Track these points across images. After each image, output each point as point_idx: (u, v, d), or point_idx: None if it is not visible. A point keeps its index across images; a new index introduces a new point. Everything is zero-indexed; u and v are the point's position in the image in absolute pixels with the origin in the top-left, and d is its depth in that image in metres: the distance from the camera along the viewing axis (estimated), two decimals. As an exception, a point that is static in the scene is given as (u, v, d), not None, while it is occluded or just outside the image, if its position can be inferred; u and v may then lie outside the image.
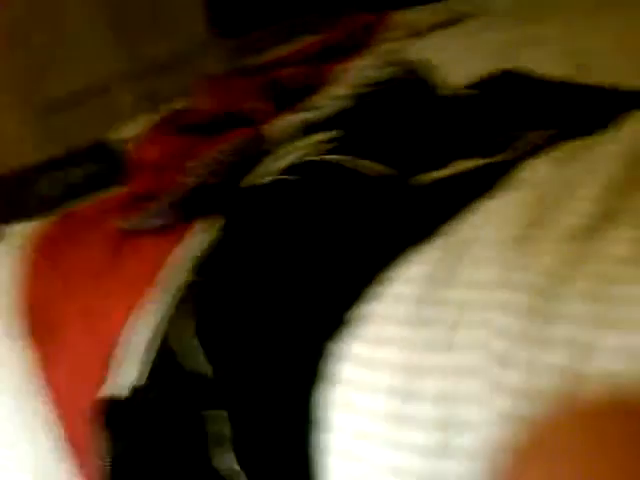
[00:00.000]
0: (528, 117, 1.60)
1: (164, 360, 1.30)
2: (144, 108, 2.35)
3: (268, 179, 1.58)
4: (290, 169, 1.59)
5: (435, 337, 1.17)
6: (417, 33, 2.59)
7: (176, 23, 2.88)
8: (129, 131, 2.08)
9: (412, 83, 1.91)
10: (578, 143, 1.48)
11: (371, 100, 1.85)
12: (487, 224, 1.31)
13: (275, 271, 1.31)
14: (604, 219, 1.25)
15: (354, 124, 1.74)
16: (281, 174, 1.58)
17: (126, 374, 1.34)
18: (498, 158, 1.48)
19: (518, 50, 2.12)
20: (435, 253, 1.27)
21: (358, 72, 2.16)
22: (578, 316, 1.09)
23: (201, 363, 1.25)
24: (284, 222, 1.40)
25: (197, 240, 1.50)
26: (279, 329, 1.25)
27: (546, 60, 1.96)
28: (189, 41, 2.88)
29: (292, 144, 1.78)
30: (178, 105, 2.17)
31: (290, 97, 2.10)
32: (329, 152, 1.63)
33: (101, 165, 1.93)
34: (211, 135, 1.99)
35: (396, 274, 1.25)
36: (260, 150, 1.81)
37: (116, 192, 1.78)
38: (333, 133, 1.73)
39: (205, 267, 1.39)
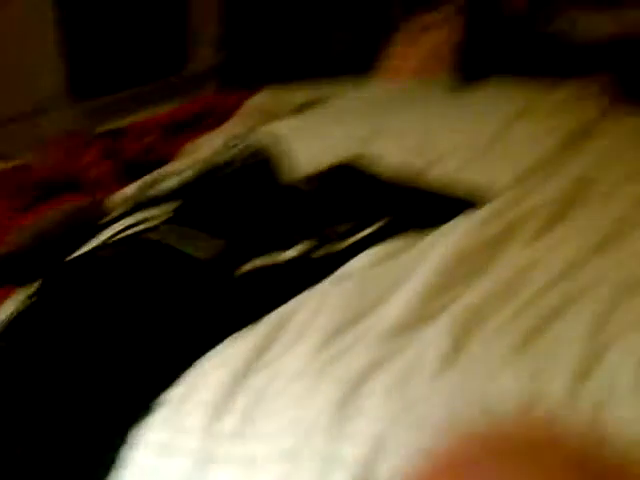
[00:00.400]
0: (361, 211, 1.64)
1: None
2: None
3: (91, 251, 1.54)
4: (117, 243, 1.56)
5: (232, 426, 1.16)
6: (275, 115, 2.62)
7: (33, 78, 2.81)
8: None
9: (257, 166, 1.91)
10: (406, 239, 1.53)
11: (213, 179, 1.84)
12: (307, 315, 1.33)
13: (80, 349, 1.27)
14: (423, 317, 1.30)
15: (192, 200, 1.73)
16: (107, 248, 1.54)
17: None
18: (326, 250, 1.51)
19: (370, 141, 2.18)
20: (248, 343, 1.28)
21: (207, 149, 2.16)
22: (376, 413, 1.12)
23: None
24: (99, 298, 1.37)
25: (9, 307, 1.44)
26: (75, 411, 1.20)
27: (395, 153, 2.02)
28: (44, 98, 2.81)
29: (129, 217, 1.75)
30: (16, 163, 2.11)
31: (135, 168, 2.08)
32: (162, 224, 1.61)
33: None
34: (47, 198, 1.94)
35: (206, 361, 1.25)
36: (98, 220, 1.77)
37: None
38: (171, 207, 1.71)
39: (9, 335, 1.33)
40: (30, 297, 1.42)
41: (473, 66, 2.77)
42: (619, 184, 1.73)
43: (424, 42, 3.00)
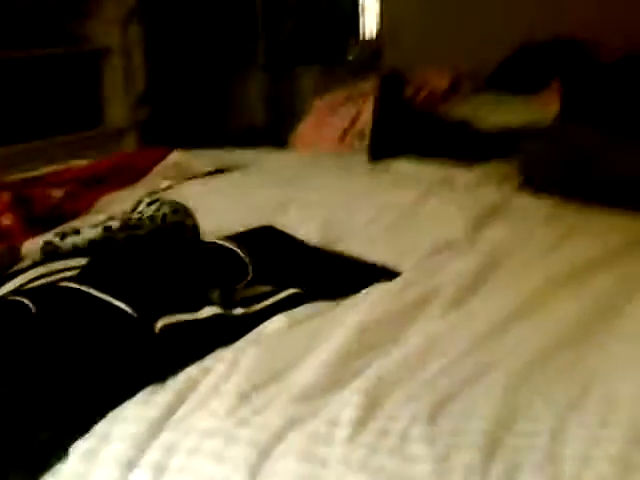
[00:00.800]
0: (278, 274, 1.65)
1: None
2: None
3: (2, 297, 1.51)
4: (32, 290, 1.54)
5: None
6: (192, 175, 2.63)
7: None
8: None
9: (173, 226, 1.91)
10: (321, 305, 1.55)
11: (126, 236, 1.83)
12: (221, 373, 1.32)
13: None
14: (336, 381, 1.30)
15: (100, 259, 1.70)
16: (20, 294, 1.51)
17: None
18: (241, 310, 1.52)
19: (283, 210, 2.21)
20: (162, 397, 1.26)
21: (122, 205, 2.15)
22: (288, 475, 1.12)
23: None
24: (8, 343, 1.34)
25: None
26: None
27: (308, 223, 2.05)
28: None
29: (40, 266, 1.72)
30: None
31: (45, 219, 2.06)
32: (72, 280, 1.58)
33: None
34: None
35: (118, 414, 1.23)
36: (9, 268, 1.74)
37: None
38: (81, 262, 1.69)
39: None
40: None
41: (380, 147, 2.85)
42: (530, 260, 1.79)
43: (344, 113, 3.07)
